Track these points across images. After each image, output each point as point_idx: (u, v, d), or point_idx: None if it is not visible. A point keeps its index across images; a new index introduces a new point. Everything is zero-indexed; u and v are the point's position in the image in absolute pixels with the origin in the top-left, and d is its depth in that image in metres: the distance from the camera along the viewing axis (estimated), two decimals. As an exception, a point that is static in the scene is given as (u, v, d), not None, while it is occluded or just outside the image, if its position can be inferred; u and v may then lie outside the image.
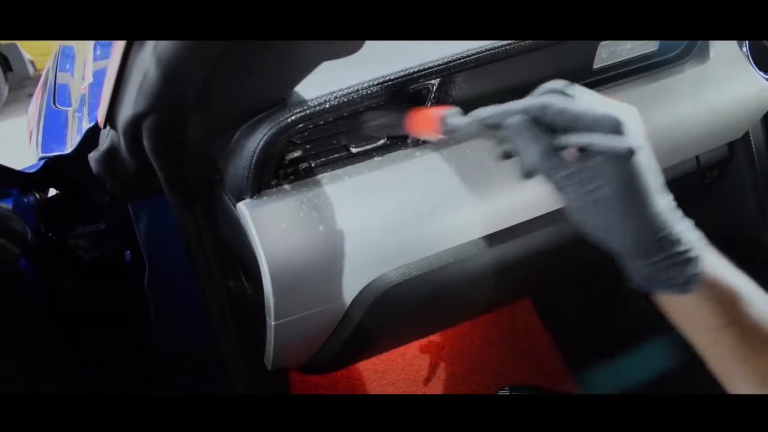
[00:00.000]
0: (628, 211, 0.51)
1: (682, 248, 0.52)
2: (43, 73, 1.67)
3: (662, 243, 0.52)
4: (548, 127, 0.52)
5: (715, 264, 0.53)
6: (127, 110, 0.63)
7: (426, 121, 0.64)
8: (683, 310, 0.55)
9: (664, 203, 0.52)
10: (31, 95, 4.60)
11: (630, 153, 0.48)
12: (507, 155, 0.57)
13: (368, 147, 0.73)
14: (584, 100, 0.52)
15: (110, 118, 0.70)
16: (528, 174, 0.55)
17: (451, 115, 0.61)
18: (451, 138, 0.62)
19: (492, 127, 0.56)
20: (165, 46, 0.49)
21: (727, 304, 0.53)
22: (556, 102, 0.51)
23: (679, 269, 0.52)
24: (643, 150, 0.51)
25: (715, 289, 0.53)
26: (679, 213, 0.53)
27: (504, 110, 0.54)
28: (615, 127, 0.50)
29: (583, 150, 0.51)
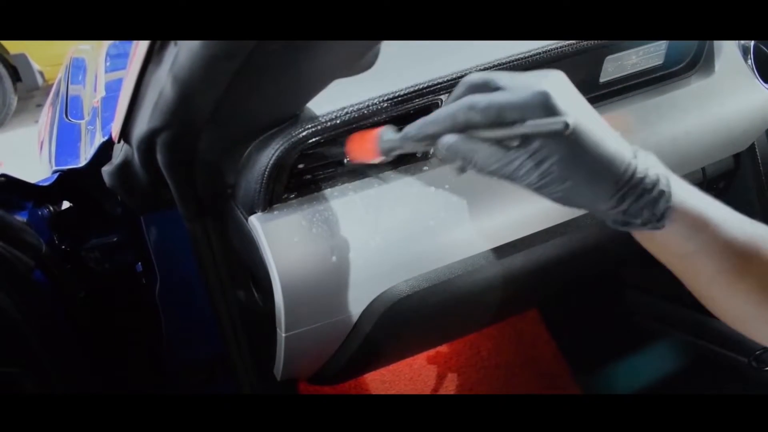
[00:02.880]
0: (587, 173, 0.51)
1: (648, 186, 0.51)
2: (55, 84, 1.69)
3: (628, 189, 0.51)
4: (480, 125, 0.51)
5: (683, 193, 0.53)
6: (142, 126, 0.64)
7: (363, 143, 0.61)
8: (657, 241, 0.55)
9: (615, 148, 0.51)
10: (39, 105, 4.64)
11: (566, 127, 0.47)
12: (459, 168, 0.57)
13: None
14: (508, 86, 0.51)
15: (124, 133, 0.71)
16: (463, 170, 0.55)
17: (385, 134, 0.59)
18: (389, 158, 0.61)
19: (422, 142, 0.55)
20: (181, 65, 0.50)
21: (699, 229, 0.53)
22: (480, 100, 0.50)
23: (650, 208, 0.52)
24: (578, 113, 0.50)
25: (686, 217, 0.53)
26: (635, 150, 0.52)
27: (430, 122, 0.54)
28: (545, 106, 0.49)
29: (523, 136, 0.50)
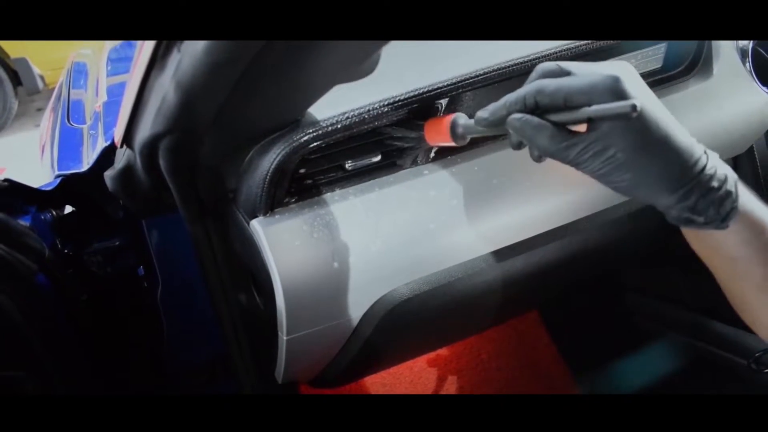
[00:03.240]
0: (652, 163, 0.50)
1: (716, 184, 0.50)
2: (56, 88, 1.70)
3: (695, 183, 0.50)
4: (549, 108, 0.52)
5: (745, 195, 0.52)
6: (144, 131, 0.64)
7: (439, 128, 0.67)
8: (711, 242, 0.54)
9: (686, 142, 0.51)
10: (40, 109, 4.65)
11: (634, 110, 0.46)
12: (520, 145, 0.58)
13: (373, 165, 0.74)
14: (578, 71, 0.52)
15: (127, 138, 0.71)
16: (540, 158, 0.56)
17: (460, 119, 0.65)
18: (463, 143, 0.65)
19: (497, 124, 0.56)
20: (184, 71, 0.51)
21: (757, 234, 0.52)
22: (549, 84, 0.51)
23: (717, 206, 0.51)
24: (647, 101, 0.49)
25: (747, 220, 0.52)
26: (703, 148, 0.52)
27: (501, 105, 0.55)
28: (613, 90, 0.49)
29: (590, 120, 0.50)
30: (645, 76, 0.90)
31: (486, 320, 1.09)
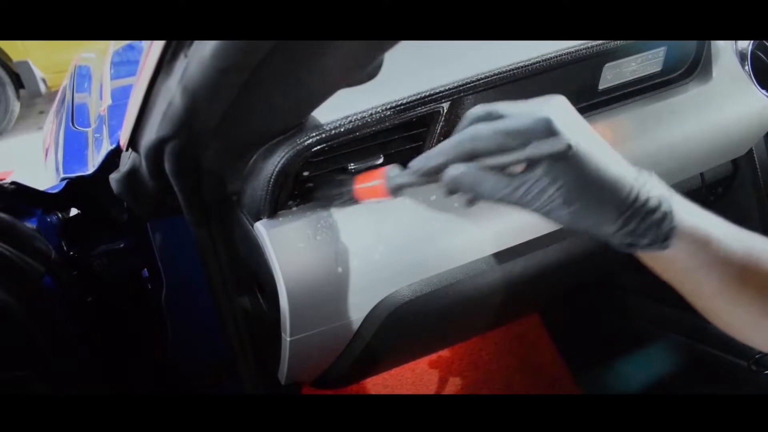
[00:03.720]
0: (591, 196, 0.51)
1: (652, 208, 0.52)
2: (60, 91, 1.70)
3: (632, 211, 0.52)
4: (485, 153, 0.52)
5: (685, 212, 0.54)
6: (150, 135, 0.65)
7: (370, 183, 0.63)
8: (661, 260, 0.56)
9: (621, 171, 0.52)
10: (42, 112, 4.66)
11: (569, 148, 0.48)
12: (453, 192, 0.57)
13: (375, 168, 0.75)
14: (510, 113, 0.52)
15: (133, 142, 0.72)
16: (472, 203, 0.56)
17: (392, 171, 0.60)
18: (398, 195, 0.61)
19: (433, 174, 0.55)
20: (191, 76, 0.52)
21: (701, 246, 0.54)
22: (483, 128, 0.52)
23: (655, 229, 0.53)
24: (581, 136, 0.51)
25: (689, 236, 0.53)
26: (637, 172, 0.53)
27: (436, 154, 0.54)
28: (547, 128, 0.50)
29: (528, 161, 0.51)
30: (645, 79, 0.90)
31: (487, 322, 1.09)
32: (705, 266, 0.55)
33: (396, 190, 0.60)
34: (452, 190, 0.56)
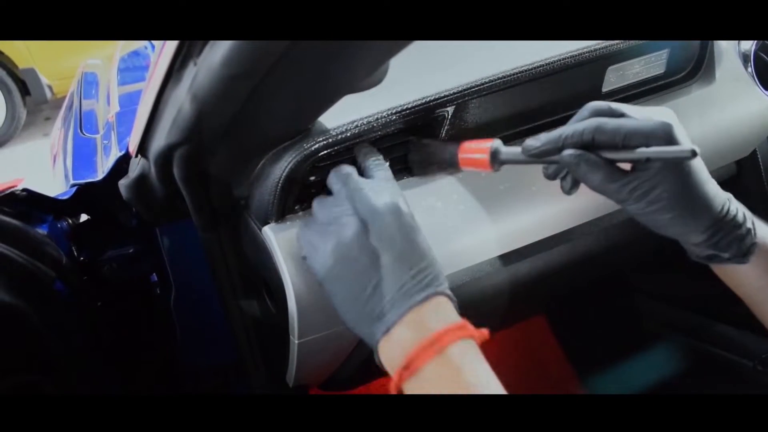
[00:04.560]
0: (688, 205, 0.55)
1: (737, 223, 0.56)
2: (67, 98, 1.72)
3: (720, 224, 0.56)
4: (604, 146, 0.55)
5: (763, 230, 0.58)
6: (159, 141, 0.66)
7: (475, 153, 0.66)
8: (737, 274, 0.60)
9: (714, 188, 0.56)
10: (48, 119, 4.68)
11: (694, 154, 0.50)
12: (556, 176, 0.60)
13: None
14: (632, 114, 0.56)
15: (142, 148, 0.73)
16: (572, 190, 0.61)
17: (501, 146, 0.63)
18: (498, 169, 0.64)
19: (548, 156, 0.58)
20: (201, 84, 0.53)
21: None
22: (608, 122, 0.55)
23: (738, 243, 0.57)
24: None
25: (765, 251, 0.57)
26: (725, 193, 0.58)
27: (555, 138, 0.57)
28: (668, 136, 0.53)
29: (647, 161, 0.54)
30: (648, 81, 0.91)
31: (493, 324, 1.09)
32: None
33: (500, 165, 0.64)
34: (555, 175, 0.59)
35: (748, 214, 0.58)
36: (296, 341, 0.75)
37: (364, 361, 0.85)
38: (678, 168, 0.54)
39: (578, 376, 1.63)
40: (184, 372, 1.02)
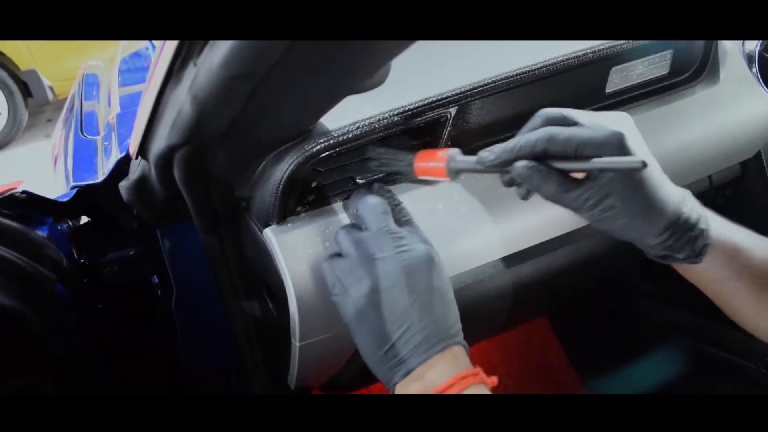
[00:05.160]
0: (640, 212, 0.56)
1: (691, 225, 0.57)
2: (68, 100, 1.72)
3: (674, 227, 0.57)
4: (556, 156, 0.55)
5: (718, 227, 0.59)
6: (159, 143, 0.66)
7: (431, 161, 0.66)
8: (695, 271, 0.61)
9: (671, 190, 0.57)
10: (50, 120, 4.69)
11: (644, 166, 0.51)
12: (512, 184, 0.60)
13: (383, 177, 0.75)
14: (584, 122, 0.56)
15: (142, 150, 0.73)
16: (527, 197, 0.62)
17: (456, 156, 0.64)
18: (455, 178, 0.65)
19: (501, 167, 0.58)
20: (201, 85, 0.52)
21: (731, 258, 0.59)
22: (560, 132, 0.55)
23: (691, 245, 0.58)
24: (643, 153, 0.55)
25: (721, 249, 0.59)
26: (680, 192, 0.58)
27: (509, 149, 0.57)
28: (620, 146, 0.54)
29: (600, 171, 0.55)
30: (652, 82, 0.90)
31: (495, 326, 1.09)
32: (734, 275, 0.60)
33: (456, 174, 0.64)
34: (512, 183, 0.61)
35: (704, 213, 0.59)
36: (297, 344, 0.75)
37: (364, 364, 0.85)
38: (630, 177, 0.54)
39: (580, 378, 1.63)
40: (185, 374, 1.02)
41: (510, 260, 0.82)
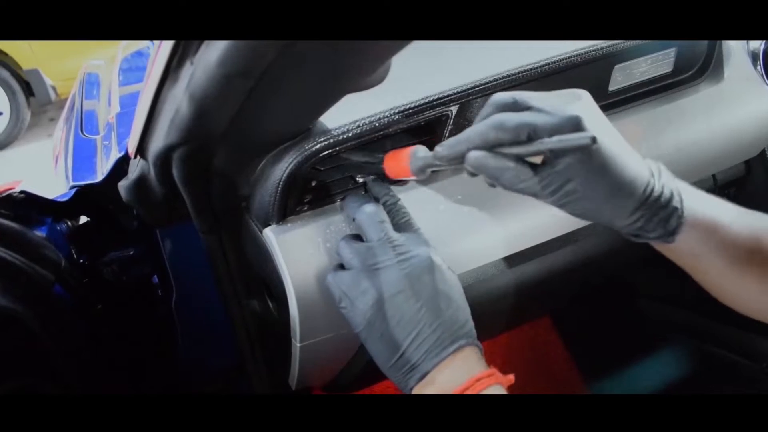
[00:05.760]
0: (605, 194, 0.53)
1: (662, 204, 0.54)
2: (69, 98, 1.71)
3: (644, 206, 0.54)
4: (504, 142, 0.53)
5: (694, 203, 0.56)
6: (158, 142, 0.65)
7: (398, 161, 0.65)
8: (670, 247, 0.58)
9: (637, 169, 0.54)
10: (52, 119, 4.70)
11: (593, 141, 0.48)
12: (490, 181, 0.58)
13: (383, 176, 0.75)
14: (537, 106, 0.53)
15: (141, 149, 0.72)
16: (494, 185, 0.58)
17: (418, 152, 0.62)
18: (423, 178, 0.64)
19: (457, 159, 0.57)
20: (197, 83, 0.52)
21: (708, 234, 0.56)
22: (509, 119, 0.52)
23: (664, 224, 0.55)
24: (603, 134, 0.52)
25: (696, 226, 0.56)
26: (650, 167, 0.55)
27: (461, 141, 0.56)
28: (576, 125, 0.51)
29: (550, 152, 0.52)
30: (655, 80, 0.90)
31: (498, 326, 1.09)
32: (712, 251, 0.57)
33: (420, 171, 0.63)
34: (474, 174, 0.58)
35: (678, 187, 0.56)
36: (298, 344, 0.74)
37: (366, 365, 0.84)
38: (588, 159, 0.51)
39: (583, 378, 1.63)
40: (185, 374, 1.01)
41: (512, 260, 0.82)
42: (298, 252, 0.69)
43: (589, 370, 1.63)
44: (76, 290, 0.84)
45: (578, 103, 0.53)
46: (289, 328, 0.74)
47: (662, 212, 0.54)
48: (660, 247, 0.60)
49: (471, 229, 0.77)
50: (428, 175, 0.64)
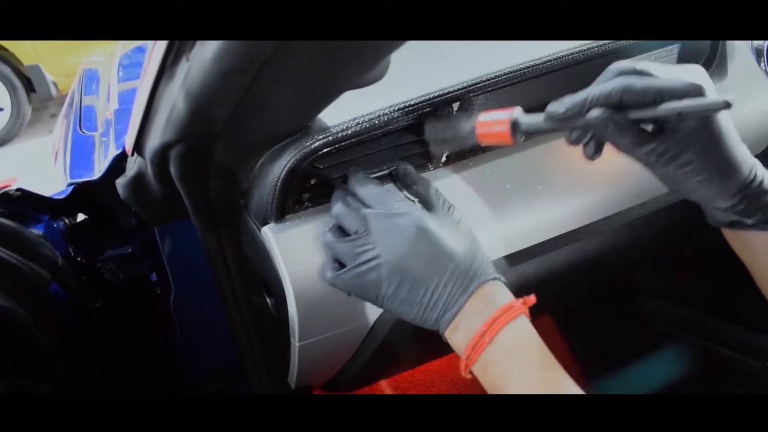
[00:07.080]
0: (717, 169, 0.53)
1: (765, 190, 0.55)
2: (69, 95, 1.71)
3: (748, 189, 0.55)
4: (633, 106, 0.52)
5: None
6: (155, 139, 0.64)
7: (494, 126, 0.62)
8: (754, 243, 0.58)
9: (743, 152, 0.55)
10: (53, 116, 4.71)
11: (727, 105, 0.48)
12: (579, 140, 0.57)
13: (384, 172, 0.74)
14: (659, 74, 0.53)
15: (138, 147, 0.72)
16: (595, 155, 0.57)
17: (522, 116, 0.59)
18: (521, 141, 0.61)
19: (572, 119, 0.54)
20: (193, 80, 0.51)
21: None
22: (637, 81, 0.52)
23: (764, 210, 0.55)
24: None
25: None
26: (753, 158, 0.56)
27: (580, 100, 0.54)
28: (699, 93, 0.51)
29: (659, 123, 0.52)
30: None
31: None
32: None
33: (522, 136, 0.60)
34: (578, 140, 0.57)
35: None
36: (297, 343, 0.74)
37: (366, 363, 0.84)
38: (709, 130, 0.52)
39: (586, 377, 1.62)
40: (184, 373, 1.01)
41: (513, 258, 0.81)
42: (297, 250, 0.68)
43: (591, 369, 1.62)
44: (73, 289, 0.84)
45: (699, 73, 0.54)
46: (288, 327, 0.73)
47: (764, 198, 0.55)
48: (744, 242, 0.60)
49: (472, 227, 0.76)
50: (524, 140, 0.61)
